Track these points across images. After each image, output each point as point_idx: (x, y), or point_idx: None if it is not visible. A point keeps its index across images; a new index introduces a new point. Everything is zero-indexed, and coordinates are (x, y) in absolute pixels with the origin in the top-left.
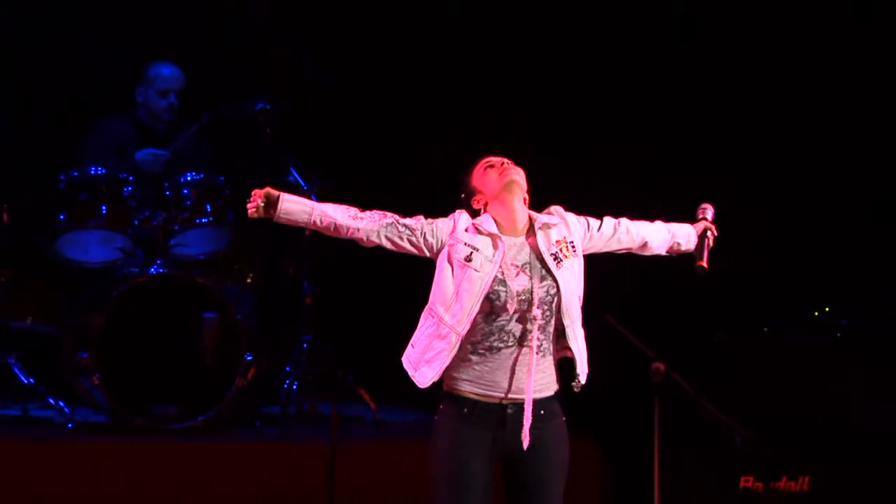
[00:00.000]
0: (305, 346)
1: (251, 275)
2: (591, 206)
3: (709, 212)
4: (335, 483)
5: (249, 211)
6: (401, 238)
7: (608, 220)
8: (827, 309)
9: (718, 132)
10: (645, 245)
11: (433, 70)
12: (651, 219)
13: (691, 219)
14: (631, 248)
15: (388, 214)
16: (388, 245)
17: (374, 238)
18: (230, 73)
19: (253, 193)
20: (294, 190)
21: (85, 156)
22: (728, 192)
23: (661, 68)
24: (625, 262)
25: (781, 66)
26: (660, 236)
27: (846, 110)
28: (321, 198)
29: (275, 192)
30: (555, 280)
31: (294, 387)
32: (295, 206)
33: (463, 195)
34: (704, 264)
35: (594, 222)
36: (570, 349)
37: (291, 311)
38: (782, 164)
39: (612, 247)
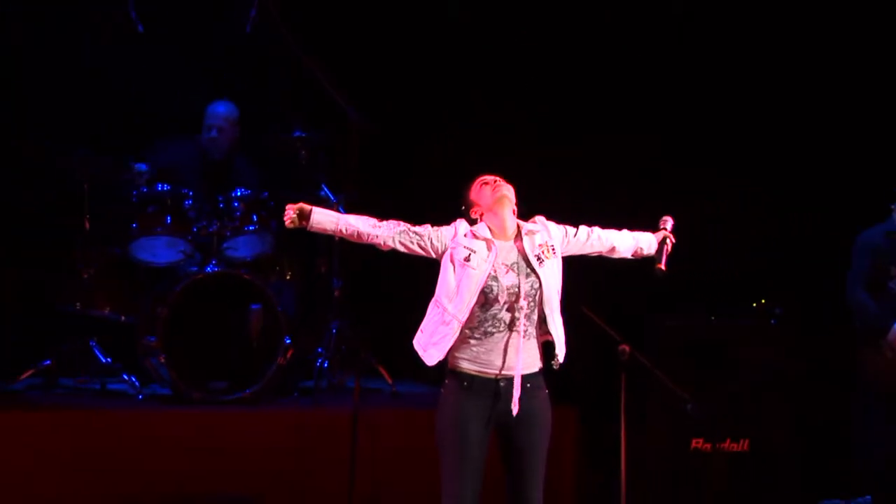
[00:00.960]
0: (334, 331)
1: (290, 273)
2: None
3: (669, 223)
4: (357, 443)
5: (286, 222)
6: (412, 242)
7: (583, 227)
8: (763, 300)
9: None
10: (613, 249)
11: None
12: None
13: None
14: (602, 252)
15: (402, 223)
16: (402, 248)
17: (390, 243)
18: (272, 105)
19: (287, 207)
20: (325, 203)
21: (141, 176)
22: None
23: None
24: (599, 264)
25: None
26: (625, 243)
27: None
28: (347, 209)
29: (307, 207)
30: (538, 277)
31: (325, 364)
32: (324, 218)
33: (463, 207)
34: (663, 267)
35: (571, 230)
36: (550, 334)
37: (323, 302)
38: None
39: (586, 250)
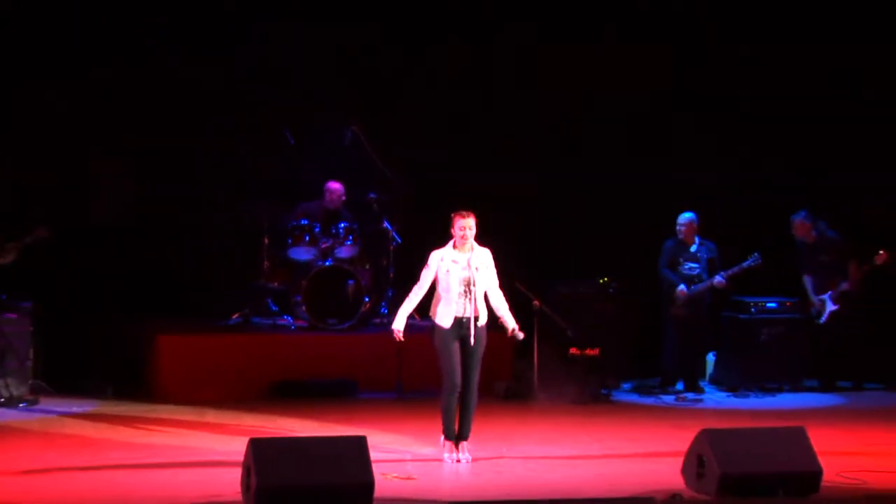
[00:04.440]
0: (390, 294)
1: (368, 265)
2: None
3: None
4: (402, 350)
5: (398, 339)
6: (428, 281)
7: (495, 281)
8: (606, 278)
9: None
10: (488, 303)
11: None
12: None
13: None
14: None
15: (421, 279)
16: (428, 285)
17: (425, 288)
18: (359, 179)
19: (395, 335)
20: (385, 231)
21: (293, 217)
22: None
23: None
24: (533, 258)
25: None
26: (498, 309)
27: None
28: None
29: (399, 326)
30: (475, 276)
31: (385, 311)
32: (403, 316)
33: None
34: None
35: (493, 269)
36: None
37: (384, 279)
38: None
39: (488, 287)
